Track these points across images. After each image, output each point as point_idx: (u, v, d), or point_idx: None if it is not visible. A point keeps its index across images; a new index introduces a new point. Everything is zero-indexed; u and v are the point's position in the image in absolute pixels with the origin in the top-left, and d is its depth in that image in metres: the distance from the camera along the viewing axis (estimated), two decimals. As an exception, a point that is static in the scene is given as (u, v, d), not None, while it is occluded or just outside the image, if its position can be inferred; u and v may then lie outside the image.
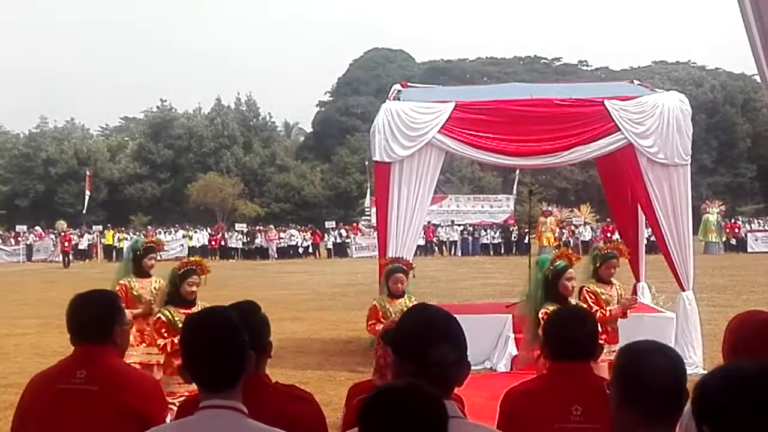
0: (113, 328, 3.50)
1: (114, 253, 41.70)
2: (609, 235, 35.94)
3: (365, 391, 2.95)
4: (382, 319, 8.24)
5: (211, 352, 2.57)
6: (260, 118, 77.31)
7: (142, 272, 7.97)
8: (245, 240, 45.79)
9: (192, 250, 44.47)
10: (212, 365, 2.57)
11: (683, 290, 11.17)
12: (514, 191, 54.64)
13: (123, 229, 49.04)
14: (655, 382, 2.37)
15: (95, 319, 3.44)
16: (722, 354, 3.05)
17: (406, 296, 8.60)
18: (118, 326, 3.53)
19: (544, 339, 3.57)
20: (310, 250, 46.02)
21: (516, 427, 3.33)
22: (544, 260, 7.53)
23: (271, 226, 48.56)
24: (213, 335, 2.60)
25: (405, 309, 4.57)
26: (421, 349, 2.52)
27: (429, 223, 42.34)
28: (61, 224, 50.33)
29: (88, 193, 54.15)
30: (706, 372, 2.19)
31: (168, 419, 3.48)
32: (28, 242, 46.01)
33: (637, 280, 12.94)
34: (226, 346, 2.59)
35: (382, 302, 8.59)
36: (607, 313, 7.86)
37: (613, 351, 6.06)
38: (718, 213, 40.88)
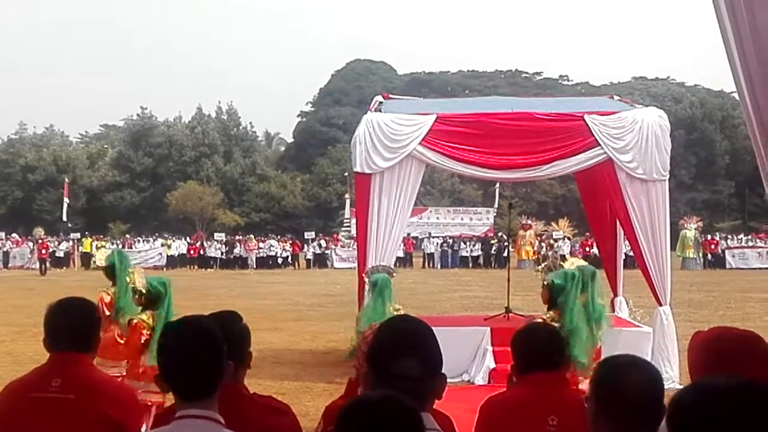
0: (95, 336, 3.48)
1: (91, 261, 41.30)
2: (588, 249, 36.08)
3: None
4: None
5: (190, 361, 2.56)
6: (241, 127, 77.18)
7: None
8: (224, 249, 45.59)
9: (170, 259, 44.29)
10: (190, 374, 2.56)
11: (660, 305, 11.22)
12: (495, 204, 54.82)
13: (101, 237, 48.71)
14: (632, 395, 2.38)
15: (77, 327, 3.41)
16: (690, 370, 3.02)
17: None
18: (98, 335, 3.51)
19: (512, 356, 3.65)
20: (290, 260, 45.90)
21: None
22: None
23: (251, 236, 48.39)
24: (192, 344, 2.58)
25: None
26: (384, 361, 2.50)
27: (408, 235, 42.33)
28: (39, 231, 49.90)
29: (66, 200, 53.74)
30: (682, 387, 2.20)
31: (144, 428, 3.45)
32: (5, 249, 45.61)
33: (615, 294, 12.99)
34: (204, 355, 2.57)
35: None
36: None
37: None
38: (696, 229, 41.10)
